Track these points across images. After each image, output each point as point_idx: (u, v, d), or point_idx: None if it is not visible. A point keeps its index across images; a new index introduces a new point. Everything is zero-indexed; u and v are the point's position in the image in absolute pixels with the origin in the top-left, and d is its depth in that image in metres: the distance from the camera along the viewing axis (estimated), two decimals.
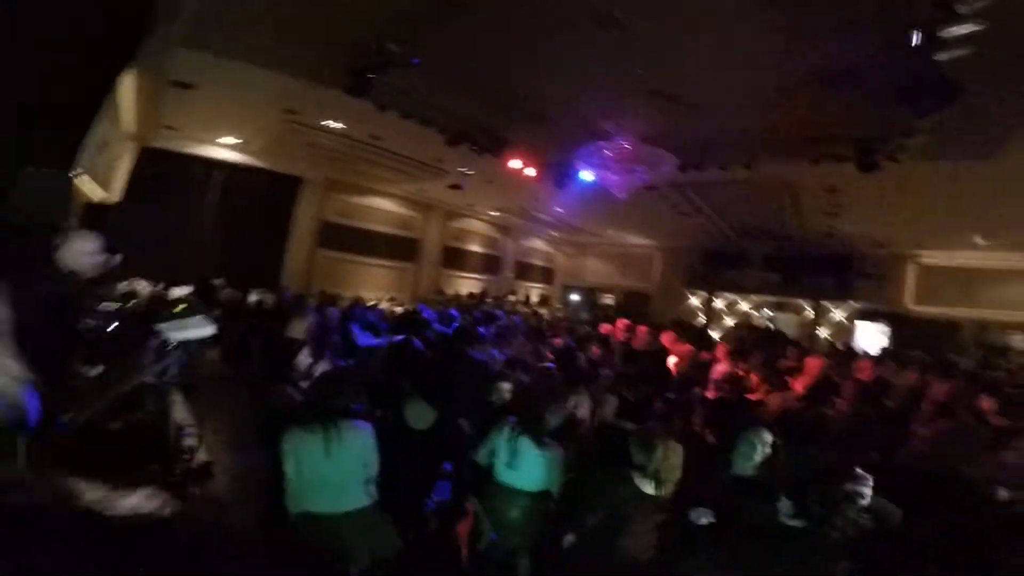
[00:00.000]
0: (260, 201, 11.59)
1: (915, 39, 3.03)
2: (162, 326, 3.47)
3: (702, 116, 5.56)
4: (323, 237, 12.86)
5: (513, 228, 17.83)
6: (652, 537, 2.30)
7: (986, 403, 4.28)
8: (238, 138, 10.11)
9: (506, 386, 4.00)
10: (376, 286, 13.55)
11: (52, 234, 3.62)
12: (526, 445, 3.02)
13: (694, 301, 17.17)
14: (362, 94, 5.43)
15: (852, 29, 3.55)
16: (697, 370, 6.56)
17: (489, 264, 17.69)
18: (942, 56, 3.09)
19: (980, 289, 12.94)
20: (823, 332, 14.63)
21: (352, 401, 2.94)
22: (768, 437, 2.69)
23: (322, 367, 4.71)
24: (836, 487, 2.10)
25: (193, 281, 7.84)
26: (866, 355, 8.54)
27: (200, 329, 3.81)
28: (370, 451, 2.77)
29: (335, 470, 2.67)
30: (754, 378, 5.93)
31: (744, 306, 16.50)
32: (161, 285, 7.48)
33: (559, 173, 8.47)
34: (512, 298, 15.85)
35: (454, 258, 16.35)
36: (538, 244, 19.67)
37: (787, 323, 15.22)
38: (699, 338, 9.46)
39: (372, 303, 9.87)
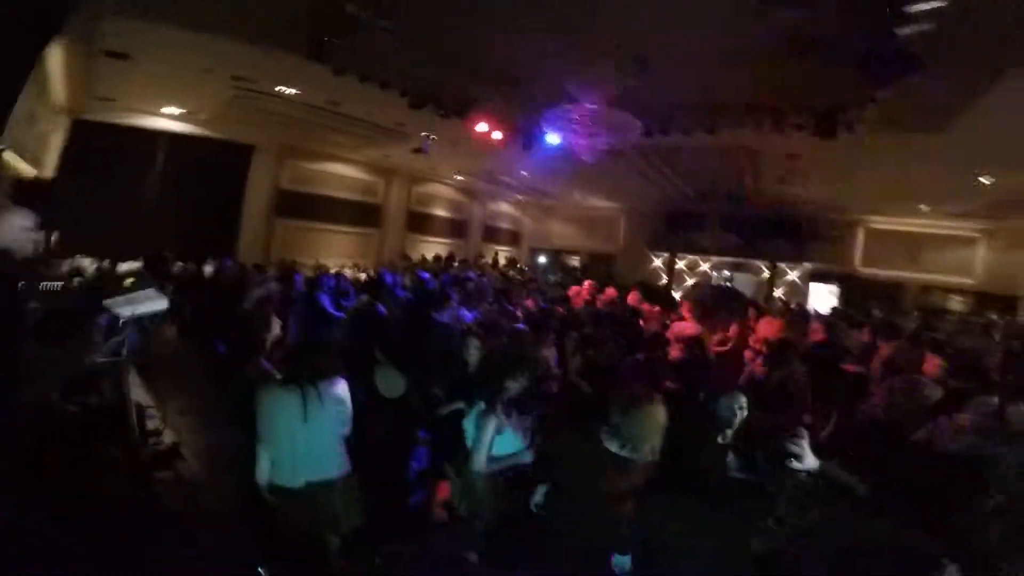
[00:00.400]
0: (211, 171, 10.94)
1: (882, 12, 3.05)
2: (111, 302, 3.30)
3: (667, 80, 5.53)
4: (280, 205, 12.38)
5: (480, 192, 17.61)
6: (620, 498, 2.34)
7: (934, 364, 4.55)
8: (183, 108, 9.46)
9: (474, 343, 3.91)
10: (339, 253, 13.26)
11: None
12: (505, 428, 3.01)
13: (657, 262, 17.61)
14: (320, 58, 5.11)
15: None
16: (663, 330, 6.81)
17: (456, 228, 17.51)
18: (905, 30, 3.15)
19: (923, 253, 13.82)
20: (778, 292, 15.35)
21: (329, 366, 2.86)
22: (744, 400, 2.76)
23: (290, 338, 4.61)
24: (779, 444, 2.09)
25: (142, 256, 7.45)
26: (818, 316, 9.02)
27: (152, 303, 3.63)
28: (346, 406, 2.73)
29: (312, 435, 2.59)
30: (719, 337, 6.16)
31: (704, 267, 17.05)
32: (106, 262, 7.07)
33: (526, 136, 8.32)
34: (480, 260, 15.83)
35: (420, 223, 16.08)
36: (505, 208, 19.56)
37: (745, 283, 15.84)
38: (663, 298, 9.76)
39: (335, 270, 9.65)
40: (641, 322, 7.29)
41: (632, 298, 8.79)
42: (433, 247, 16.16)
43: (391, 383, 3.07)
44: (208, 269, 8.27)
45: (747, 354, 5.81)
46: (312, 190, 13.04)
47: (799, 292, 15.22)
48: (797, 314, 9.45)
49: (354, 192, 14.13)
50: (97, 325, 3.46)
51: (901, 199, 11.37)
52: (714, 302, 9.80)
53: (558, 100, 5.92)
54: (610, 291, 9.11)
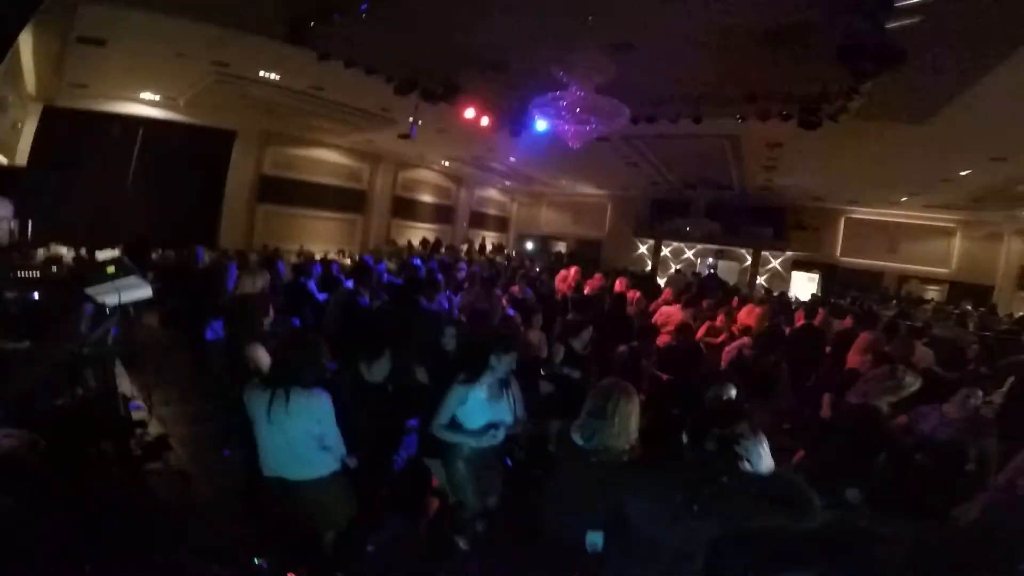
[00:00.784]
0: (191, 158, 10.69)
1: (868, 4, 3.08)
2: (93, 290, 3.23)
3: (654, 68, 5.52)
4: (263, 191, 12.16)
5: (467, 178, 17.48)
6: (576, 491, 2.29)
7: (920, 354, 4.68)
8: (161, 93, 9.21)
9: (451, 331, 3.94)
10: (323, 239, 13.13)
11: None
12: (476, 395, 3.03)
13: (643, 249, 17.76)
14: (303, 42, 4.98)
15: None
16: (648, 316, 6.90)
17: (442, 214, 17.41)
18: (892, 23, 3.18)
19: (901, 244, 14.15)
20: (760, 279, 15.62)
21: (314, 365, 2.83)
22: (734, 391, 2.80)
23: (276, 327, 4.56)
24: (731, 430, 2.03)
25: (121, 244, 7.29)
26: (800, 303, 9.22)
27: (136, 291, 3.55)
28: (320, 422, 2.61)
29: (277, 436, 2.56)
30: (708, 326, 6.28)
31: (689, 254, 17.25)
32: (83, 250, 6.90)
33: (514, 123, 8.27)
34: (465, 246, 15.79)
35: (405, 208, 15.95)
36: (493, 194, 19.47)
37: (728, 270, 16.08)
38: (648, 284, 9.88)
39: (320, 256, 9.57)
40: (629, 309, 7.39)
41: (619, 285, 8.90)
42: (419, 233, 16.07)
43: (376, 367, 3.04)
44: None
45: (725, 337, 5.94)
46: (295, 176, 12.83)
47: (781, 280, 15.50)
48: (778, 301, 9.68)
49: (338, 178, 13.94)
50: (79, 315, 3.39)
51: (881, 189, 11.59)
52: (698, 289, 10.01)
53: (546, 86, 5.87)
54: (598, 277, 9.21)
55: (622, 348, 4.91)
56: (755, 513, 1.86)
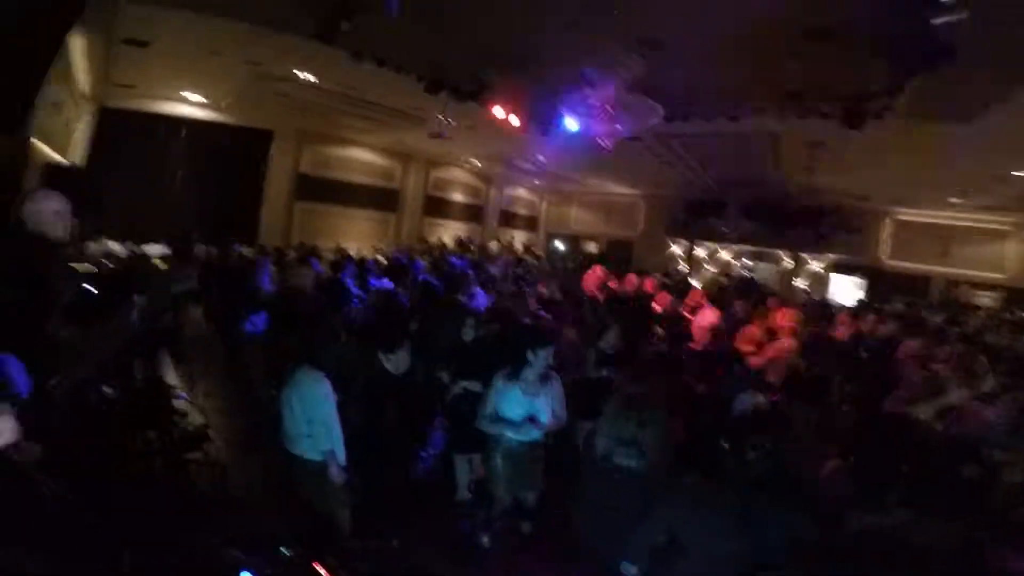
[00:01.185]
0: (232, 156, 11.12)
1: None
2: (142, 284, 3.42)
3: (687, 65, 5.39)
4: (300, 189, 12.48)
5: (497, 177, 17.53)
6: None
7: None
8: (202, 93, 9.56)
9: (470, 321, 4.05)
10: (357, 237, 13.37)
11: (11, 196, 3.43)
12: (515, 391, 3.07)
13: (676, 249, 17.39)
14: (332, 41, 5.10)
15: None
16: (681, 320, 6.77)
17: (473, 212, 17.50)
18: (937, 19, 3.02)
19: (952, 247, 13.38)
20: (800, 283, 15.05)
21: (327, 348, 2.95)
22: (762, 399, 2.75)
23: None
24: (772, 438, 2.06)
25: (168, 240, 7.65)
26: (843, 308, 8.87)
27: (181, 284, 3.76)
28: (303, 401, 2.73)
29: (286, 408, 2.80)
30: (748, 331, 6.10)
31: (724, 255, 16.78)
32: (133, 245, 7.27)
33: (543, 121, 8.24)
34: (494, 245, 15.87)
35: (437, 207, 16.09)
36: (522, 192, 19.44)
37: (766, 273, 15.58)
38: (681, 287, 9.69)
39: (354, 253, 9.81)
40: (656, 308, 7.27)
41: (649, 285, 8.76)
42: (450, 231, 16.22)
43: (396, 360, 3.13)
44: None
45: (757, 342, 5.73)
46: (331, 175, 13.12)
47: (822, 283, 14.91)
48: (817, 305, 9.33)
49: (372, 176, 14.18)
50: (130, 307, 3.58)
51: (930, 190, 10.97)
52: (732, 292, 9.74)
53: (576, 85, 5.83)
54: (630, 277, 9.06)
55: (650, 353, 4.84)
56: (802, 523, 1.85)
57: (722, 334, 5.53)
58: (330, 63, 6.51)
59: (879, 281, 13.95)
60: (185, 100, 9.90)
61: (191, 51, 6.90)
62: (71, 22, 4.04)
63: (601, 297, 7.87)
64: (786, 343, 4.91)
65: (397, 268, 7.92)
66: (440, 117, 8.07)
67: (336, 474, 2.72)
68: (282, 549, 2.35)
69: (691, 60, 5.27)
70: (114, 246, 6.58)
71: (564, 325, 5.10)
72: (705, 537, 1.92)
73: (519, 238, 18.78)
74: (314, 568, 1.67)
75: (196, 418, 3.50)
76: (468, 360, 3.76)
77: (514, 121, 8.04)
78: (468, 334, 4.01)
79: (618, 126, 6.53)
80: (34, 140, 5.03)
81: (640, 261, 16.28)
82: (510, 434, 3.08)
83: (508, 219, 18.95)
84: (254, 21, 5.51)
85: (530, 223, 20.25)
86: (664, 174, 13.18)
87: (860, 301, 12.13)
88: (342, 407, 2.84)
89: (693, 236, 16.62)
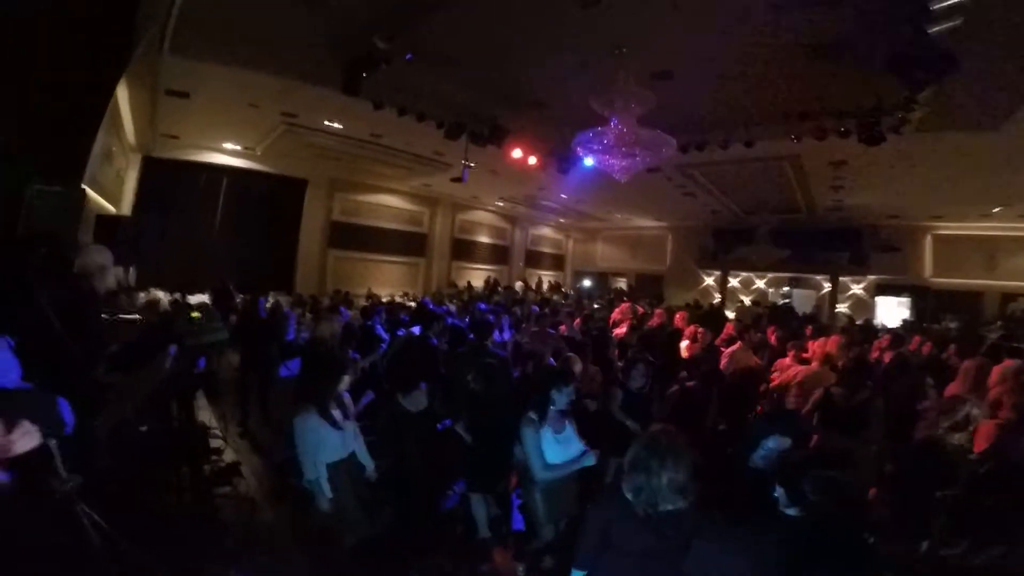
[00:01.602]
0: (268, 204, 11.71)
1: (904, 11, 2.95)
2: (179, 332, 3.64)
3: (696, 93, 5.50)
4: (332, 236, 12.98)
5: (521, 217, 17.86)
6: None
7: None
8: (239, 143, 10.15)
9: (474, 374, 4.05)
10: (388, 282, 13.72)
11: (67, 248, 3.73)
12: (547, 434, 3.09)
13: (708, 281, 17.08)
14: (357, 93, 5.45)
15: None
16: (712, 355, 6.54)
17: (499, 254, 17.77)
18: (933, 29, 3.01)
19: (1000, 259, 12.69)
20: (842, 307, 14.46)
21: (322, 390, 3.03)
22: (788, 442, 2.65)
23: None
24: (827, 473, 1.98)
25: (209, 289, 8.03)
26: (885, 329, 8.45)
27: (215, 334, 3.97)
28: (298, 439, 2.83)
29: None
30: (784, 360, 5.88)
31: (759, 284, 16.36)
32: (179, 294, 7.68)
33: (561, 160, 8.46)
34: (520, 285, 15.95)
35: (464, 250, 16.45)
36: (547, 232, 19.68)
37: (804, 299, 15.07)
38: (713, 319, 9.45)
39: (385, 299, 10.04)
40: (685, 345, 7.06)
41: (679, 320, 8.57)
42: (478, 274, 16.46)
43: (410, 399, 3.21)
44: (269, 302, 8.77)
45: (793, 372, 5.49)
46: (361, 221, 13.64)
47: (865, 306, 14.28)
48: (860, 330, 8.91)
49: (401, 222, 14.67)
50: (164, 356, 3.78)
51: (968, 202, 10.53)
52: (766, 320, 9.43)
53: (588, 122, 6.00)
54: (658, 313, 8.91)
55: (674, 388, 4.73)
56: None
57: (755, 370, 5.36)
58: (356, 113, 6.89)
59: (926, 300, 13.28)
60: (225, 150, 10.49)
61: (229, 102, 7.35)
62: (119, 74, 4.35)
63: (629, 334, 7.76)
64: (813, 367, 4.70)
65: (427, 314, 8.03)
66: (463, 162, 8.39)
67: (322, 503, 2.80)
68: None
69: (699, 88, 5.38)
70: (160, 295, 6.96)
71: (588, 363, 5.03)
72: None
73: (546, 277, 18.87)
74: None
75: (229, 455, 3.60)
76: (479, 407, 3.80)
77: (532, 161, 8.30)
78: (476, 383, 4.06)
79: (633, 160, 6.64)
80: (88, 190, 5.33)
81: (671, 295, 16.07)
82: (560, 474, 3.05)
83: (534, 259, 19.14)
84: (287, 75, 5.90)
85: (556, 262, 20.38)
86: (688, 205, 13.16)
87: (904, 321, 11.53)
88: (371, 446, 2.98)
89: (725, 266, 16.34)
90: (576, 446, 3.15)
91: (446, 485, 3.55)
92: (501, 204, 16.31)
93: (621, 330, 8.13)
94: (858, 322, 11.62)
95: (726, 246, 16.18)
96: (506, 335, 6.35)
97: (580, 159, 7.86)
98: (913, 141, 5.47)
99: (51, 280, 3.24)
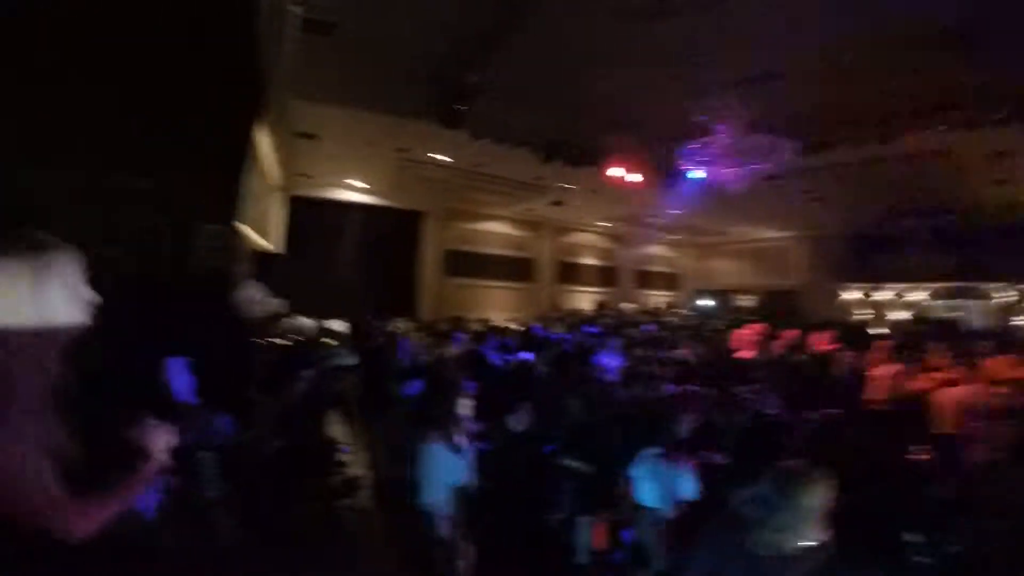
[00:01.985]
0: (392, 237, 12.83)
1: None
2: (314, 357, 4.17)
3: (811, 90, 4.98)
4: (448, 265, 13.75)
5: (627, 236, 17.40)
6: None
7: None
8: (363, 180, 11.22)
9: (572, 402, 4.07)
10: (499, 307, 14.10)
11: (228, 284, 4.35)
12: (666, 464, 3.01)
13: (850, 295, 15.02)
14: (456, 125, 5.80)
15: None
16: (855, 377, 5.74)
17: (606, 275, 17.44)
18: None
19: None
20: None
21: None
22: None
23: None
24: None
25: (346, 317, 8.93)
26: None
27: (345, 358, 4.46)
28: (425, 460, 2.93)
29: None
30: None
31: (916, 296, 14.00)
32: (320, 322, 8.67)
33: (666, 175, 8.18)
34: (629, 306, 15.45)
35: (570, 273, 16.43)
36: (657, 250, 18.88)
37: (977, 311, 12.63)
38: (858, 338, 8.27)
39: (496, 325, 10.34)
40: (835, 369, 6.28)
41: (818, 342, 7.65)
42: (585, 296, 16.29)
43: (513, 420, 3.29)
44: (391, 328, 9.52)
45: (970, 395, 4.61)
46: (473, 249, 14.34)
47: None
48: None
49: (508, 248, 15.14)
50: (299, 378, 4.32)
51: None
52: (924, 337, 8.06)
53: (691, 134, 5.77)
54: (789, 334, 8.03)
55: (811, 415, 4.23)
56: None
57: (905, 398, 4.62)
58: (457, 144, 7.31)
59: None
60: (351, 187, 11.72)
61: (351, 141, 8.13)
62: (257, 117, 4.81)
63: (758, 357, 7.12)
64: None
65: (535, 340, 8.13)
66: (562, 184, 8.49)
67: (441, 525, 2.88)
68: None
69: (811, 86, 4.89)
70: (305, 322, 7.92)
71: (705, 389, 4.73)
72: None
73: (658, 297, 18.09)
74: None
75: (354, 470, 3.96)
76: (579, 436, 3.78)
77: (634, 178, 8.13)
78: (574, 405, 4.07)
79: (745, 168, 6.23)
80: (243, 228, 5.81)
81: (806, 312, 14.36)
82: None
83: (644, 279, 18.46)
84: (395, 112, 6.42)
85: (669, 280, 19.43)
86: (818, 211, 11.87)
87: None
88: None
89: (870, 278, 14.28)
90: (689, 481, 3.02)
91: (548, 506, 3.56)
92: (605, 224, 16.09)
93: (746, 353, 7.49)
94: None
95: (871, 255, 14.12)
96: (613, 359, 6.19)
97: (686, 172, 7.55)
98: None
99: (217, 313, 3.91)
